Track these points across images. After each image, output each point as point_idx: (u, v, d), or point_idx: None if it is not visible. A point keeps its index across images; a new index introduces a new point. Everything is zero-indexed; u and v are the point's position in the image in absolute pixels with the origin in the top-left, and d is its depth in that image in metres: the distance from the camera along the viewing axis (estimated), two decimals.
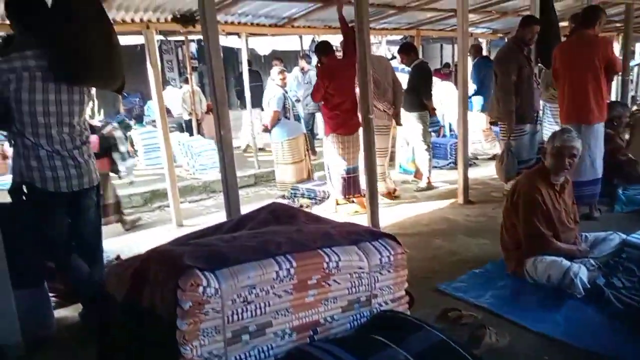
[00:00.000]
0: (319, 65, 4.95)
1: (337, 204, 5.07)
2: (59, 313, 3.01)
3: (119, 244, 4.42)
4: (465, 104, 4.80)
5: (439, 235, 4.04)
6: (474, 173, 5.99)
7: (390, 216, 4.65)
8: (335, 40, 6.65)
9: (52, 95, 2.46)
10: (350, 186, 4.87)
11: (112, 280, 1.60)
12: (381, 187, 4.97)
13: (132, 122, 8.84)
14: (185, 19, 4.47)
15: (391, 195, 5.28)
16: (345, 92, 4.55)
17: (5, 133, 2.81)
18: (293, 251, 1.60)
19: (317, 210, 5.18)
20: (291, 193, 5.64)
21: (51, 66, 2.41)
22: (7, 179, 3.27)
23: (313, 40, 8.89)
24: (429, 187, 5.66)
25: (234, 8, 4.47)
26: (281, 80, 5.78)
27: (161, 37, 8.14)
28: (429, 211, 4.81)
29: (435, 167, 6.44)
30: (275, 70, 5.93)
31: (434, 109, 6.11)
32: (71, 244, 2.76)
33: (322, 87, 4.61)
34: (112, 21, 4.33)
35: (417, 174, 6.00)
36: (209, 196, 6.56)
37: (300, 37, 8.94)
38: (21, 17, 2.49)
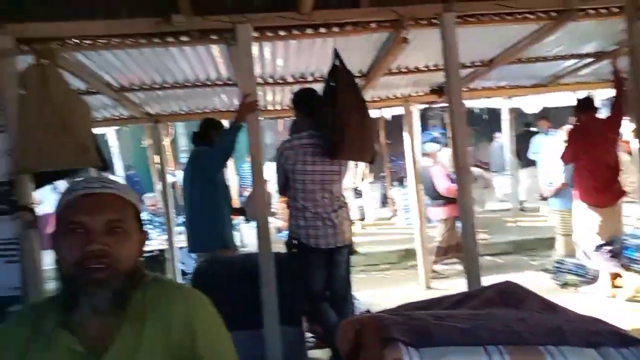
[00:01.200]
0: (575, 123, 4.46)
1: (614, 286, 4.23)
2: (313, 353, 3.43)
3: (371, 297, 4.76)
4: None
5: None
6: None
7: None
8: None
9: (318, 167, 2.98)
10: (613, 261, 4.05)
11: (340, 336, 1.77)
12: None
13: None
14: (440, 91, 4.70)
15: None
16: (603, 156, 3.93)
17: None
18: (508, 343, 1.44)
19: (587, 291, 4.43)
20: (555, 267, 4.99)
21: (318, 144, 2.94)
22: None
23: (588, 96, 7.88)
24: None
25: (491, 74, 4.45)
26: None
27: (425, 105, 8.67)
28: None
29: None
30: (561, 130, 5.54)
31: None
32: (324, 294, 3.17)
33: (574, 148, 4.21)
34: (376, 98, 5.04)
35: None
36: (460, 260, 6.41)
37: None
38: (301, 105, 3.14)
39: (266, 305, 2.74)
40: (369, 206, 9.44)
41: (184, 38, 2.71)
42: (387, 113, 8.62)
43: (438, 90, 4.84)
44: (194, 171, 3.47)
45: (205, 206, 3.40)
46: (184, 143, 9.49)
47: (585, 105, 4.42)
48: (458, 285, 3.66)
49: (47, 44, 2.55)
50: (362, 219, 9.31)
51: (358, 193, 9.38)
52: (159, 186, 5.14)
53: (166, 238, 4.95)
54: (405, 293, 5.02)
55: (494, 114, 10.30)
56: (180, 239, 4.69)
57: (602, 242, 4.07)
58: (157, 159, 5.02)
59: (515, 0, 2.98)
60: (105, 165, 3.00)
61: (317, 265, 3.11)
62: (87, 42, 2.63)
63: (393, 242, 7.12)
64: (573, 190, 4.38)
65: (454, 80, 2.99)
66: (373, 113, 8.93)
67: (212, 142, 3.37)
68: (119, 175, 9.99)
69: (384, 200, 10.08)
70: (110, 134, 8.43)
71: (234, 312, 3.03)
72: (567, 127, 5.57)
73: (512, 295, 1.85)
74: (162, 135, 5.00)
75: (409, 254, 6.57)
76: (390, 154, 10.03)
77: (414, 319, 1.64)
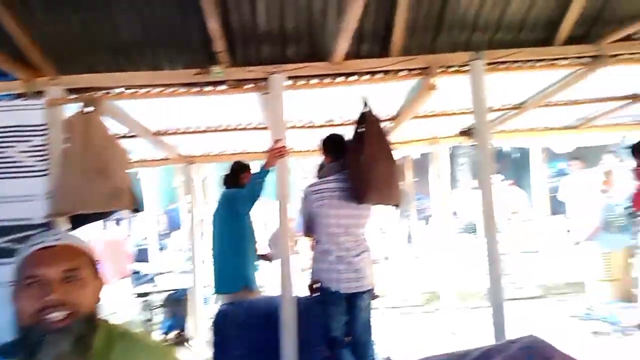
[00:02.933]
0: (638, 167, 4.34)
1: None
2: None
3: (393, 342, 4.63)
4: None
5: None
6: None
7: None
8: None
9: (344, 211, 2.99)
10: None
11: None
12: None
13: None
14: (468, 133, 4.70)
15: None
16: None
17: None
18: None
19: (623, 343, 4.21)
20: (586, 314, 4.78)
21: (345, 187, 2.96)
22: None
23: (623, 137, 7.70)
24: None
25: (521, 117, 4.44)
26: (605, 185, 5.22)
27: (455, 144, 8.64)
28: None
29: None
30: (593, 171, 5.40)
31: None
32: (345, 339, 3.12)
33: None
34: (404, 139, 5.07)
35: None
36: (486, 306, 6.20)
37: None
38: (329, 149, 3.19)
39: (285, 350, 2.72)
40: (394, 245, 9.31)
41: (221, 87, 2.83)
42: (415, 152, 8.64)
43: (466, 132, 4.84)
44: (222, 212, 3.53)
45: (231, 247, 3.44)
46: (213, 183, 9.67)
47: None
48: (483, 331, 3.54)
49: (92, 93, 2.71)
50: (387, 258, 9.17)
51: (384, 231, 9.29)
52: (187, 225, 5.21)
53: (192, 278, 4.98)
54: (427, 338, 4.87)
55: (524, 152, 10.14)
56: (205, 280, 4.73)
57: None
58: (188, 198, 5.13)
59: (547, 48, 3.02)
60: (138, 207, 3.09)
61: (338, 310, 3.07)
62: (130, 91, 2.77)
63: (418, 283, 6.96)
64: None
65: (482, 125, 3.00)
66: (400, 152, 8.99)
67: (240, 184, 3.44)
68: (153, 213, 10.19)
69: (409, 239, 9.94)
70: (144, 173, 8.65)
71: (255, 357, 3.04)
72: (606, 169, 5.45)
73: (536, 351, 1.78)
74: (193, 175, 5.13)
75: (435, 297, 6.42)
76: (417, 192, 9.96)
77: None
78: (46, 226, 2.54)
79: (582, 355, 4.05)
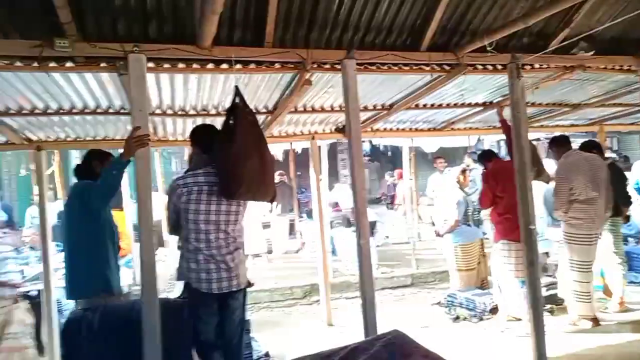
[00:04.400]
0: (484, 170, 4.82)
1: (508, 319, 4.52)
2: None
3: (270, 338, 4.60)
4: None
5: None
6: None
7: (566, 346, 3.89)
8: None
9: (213, 206, 2.82)
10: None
11: None
12: (584, 309, 4.32)
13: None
14: (344, 129, 4.82)
15: (597, 321, 4.36)
16: (515, 194, 4.23)
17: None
18: None
19: (481, 326, 4.67)
20: (448, 301, 5.22)
21: (214, 182, 2.80)
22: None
23: (479, 139, 8.63)
24: (622, 309, 4.65)
25: (392, 117, 4.67)
26: (462, 182, 5.63)
27: (334, 140, 8.90)
28: (619, 343, 3.89)
29: (633, 282, 5.34)
30: (455, 169, 5.85)
31: (628, 216, 5.19)
32: (216, 342, 2.97)
33: (490, 192, 4.51)
34: (283, 134, 5.04)
35: (607, 291, 5.01)
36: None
37: None
38: (198, 142, 2.99)
39: (148, 356, 2.50)
40: (276, 239, 9.33)
41: (68, 64, 2.48)
42: (297, 146, 8.72)
43: (342, 129, 4.96)
44: (74, 207, 3.11)
45: (86, 246, 3.06)
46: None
47: (488, 155, 4.90)
48: (359, 322, 3.70)
49: None
50: (270, 252, 9.16)
51: (266, 225, 9.24)
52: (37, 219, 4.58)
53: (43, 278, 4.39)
54: (306, 332, 4.93)
55: (398, 150, 10.86)
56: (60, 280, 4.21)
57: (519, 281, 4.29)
58: (36, 189, 4.50)
59: (413, 53, 3.17)
60: None
61: (209, 312, 2.90)
62: None
63: (299, 277, 7.03)
64: (493, 231, 4.64)
65: (354, 122, 3.06)
66: (283, 146, 8.97)
67: (96, 174, 3.04)
68: None
69: (292, 232, 10.05)
70: None
71: None
72: (461, 167, 6.00)
73: (398, 348, 1.85)
74: (45, 163, 4.51)
75: (314, 289, 6.55)
76: (299, 186, 10.08)
77: None
78: None
79: (444, 339, 4.39)
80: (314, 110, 4.21)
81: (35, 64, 2.40)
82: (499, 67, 3.48)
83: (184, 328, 2.90)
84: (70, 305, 4.08)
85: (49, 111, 3.46)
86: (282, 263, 8.53)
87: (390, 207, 12.01)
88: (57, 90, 3.03)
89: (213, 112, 3.93)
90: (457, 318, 4.94)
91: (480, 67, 3.47)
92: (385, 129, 5.38)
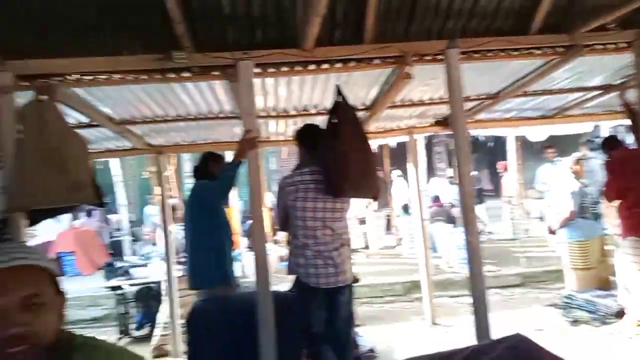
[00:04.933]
0: (608, 160, 4.38)
1: (638, 324, 4.08)
2: None
3: (375, 334, 4.61)
4: None
5: None
6: None
7: None
8: None
9: (319, 204, 2.90)
10: None
11: None
12: None
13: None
14: (444, 123, 4.66)
15: None
16: None
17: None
18: None
19: (605, 331, 4.26)
20: (564, 303, 4.83)
21: (320, 180, 2.87)
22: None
23: (596, 126, 7.81)
24: None
25: (497, 106, 4.42)
26: (578, 171, 5.21)
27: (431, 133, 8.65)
28: None
29: None
30: (567, 159, 5.43)
31: None
32: (325, 336, 3.05)
33: (616, 183, 4.06)
34: (380, 129, 5.01)
35: None
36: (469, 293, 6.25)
37: None
38: (304, 141, 3.09)
39: (264, 346, 2.64)
40: (373, 234, 9.32)
41: (185, 74, 2.69)
42: (392, 140, 8.62)
43: (442, 122, 4.80)
44: (195, 205, 3.40)
45: (206, 241, 3.32)
46: (188, 169, 9.54)
47: (612, 143, 4.46)
48: (464, 322, 3.56)
49: (46, 80, 2.54)
50: (366, 248, 9.18)
51: (362, 221, 9.28)
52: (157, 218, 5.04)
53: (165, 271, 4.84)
54: (410, 330, 4.87)
55: (500, 141, 10.25)
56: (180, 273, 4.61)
57: None
58: (158, 190, 4.97)
59: (522, 37, 2.97)
60: (102, 201, 2.94)
61: (318, 306, 2.99)
62: (88, 77, 2.61)
63: (398, 273, 6.97)
64: (620, 228, 4.24)
65: (459, 114, 2.95)
66: (377, 141, 8.95)
67: (212, 175, 3.31)
68: (121, 203, 9.99)
69: (389, 227, 9.97)
70: (113, 163, 8.42)
71: (232, 354, 2.95)
72: (576, 156, 5.50)
73: (523, 352, 1.74)
74: (164, 166, 4.96)
75: (415, 286, 6.44)
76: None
77: None
78: (3, 222, 2.39)
79: (563, 344, 4.08)
80: (412, 104, 4.12)
81: (158, 76, 2.64)
82: (622, 45, 3.14)
83: (295, 320, 3.02)
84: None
85: (167, 118, 3.79)
86: (379, 259, 8.53)
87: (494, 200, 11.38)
88: (175, 98, 3.30)
89: (313, 111, 4.02)
90: (575, 321, 4.56)
91: (599, 47, 3.15)
92: (489, 120, 5.10)
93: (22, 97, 2.51)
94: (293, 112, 4.05)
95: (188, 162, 9.11)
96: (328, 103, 3.77)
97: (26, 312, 0.98)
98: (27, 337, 0.97)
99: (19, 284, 0.99)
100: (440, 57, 2.89)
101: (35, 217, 2.72)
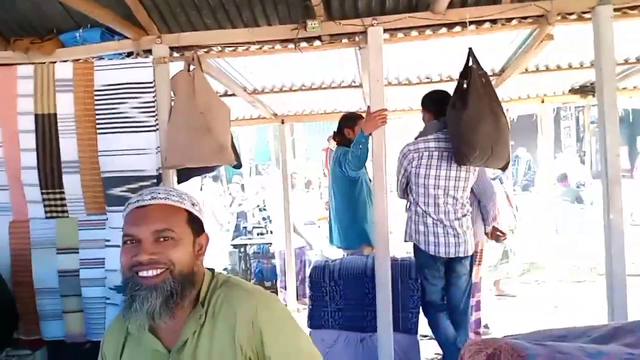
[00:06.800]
0: None
1: None
2: None
3: (490, 309, 4.47)
4: None
5: None
6: None
7: None
8: None
9: (443, 172, 2.85)
10: None
11: (466, 357, 1.67)
12: None
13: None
14: (584, 90, 4.23)
15: None
16: None
17: None
18: None
19: None
20: None
21: (445, 148, 2.81)
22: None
23: None
24: None
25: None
26: None
27: (559, 105, 7.90)
28: None
29: None
30: None
31: None
32: (443, 304, 3.04)
33: None
34: (506, 98, 4.70)
35: None
36: (593, 280, 5.76)
37: None
38: (430, 107, 3.03)
39: (380, 309, 2.72)
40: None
41: (316, 43, 2.77)
42: (512, 113, 8.02)
43: (580, 90, 4.36)
44: (335, 171, 3.51)
45: (348, 204, 3.44)
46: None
47: None
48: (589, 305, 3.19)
49: (195, 51, 2.79)
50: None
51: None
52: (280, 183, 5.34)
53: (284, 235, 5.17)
54: (529, 309, 4.64)
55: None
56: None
57: None
58: (281, 155, 5.26)
59: None
60: (240, 163, 3.19)
61: (436, 275, 2.98)
62: (229, 49, 2.82)
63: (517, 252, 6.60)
64: None
65: (608, 82, 2.64)
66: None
67: (347, 140, 3.39)
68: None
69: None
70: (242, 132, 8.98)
71: (351, 312, 3.10)
72: None
73: None
74: (286, 134, 5.22)
75: (534, 267, 6.12)
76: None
77: (562, 352, 1.47)
78: (158, 178, 2.70)
79: None
80: (548, 69, 3.80)
81: (291, 46, 2.76)
82: None
83: (411, 286, 3.06)
84: None
85: (293, 88, 3.96)
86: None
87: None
88: (303, 67, 3.43)
89: (437, 79, 3.91)
90: None
91: None
92: (635, 87, 4.52)
93: (176, 68, 2.79)
94: (415, 81, 3.98)
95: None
96: (453, 70, 3.65)
97: (157, 244, 1.15)
98: (156, 264, 1.14)
99: (154, 219, 1.16)
100: (587, 15, 2.61)
101: (183, 176, 3.05)
